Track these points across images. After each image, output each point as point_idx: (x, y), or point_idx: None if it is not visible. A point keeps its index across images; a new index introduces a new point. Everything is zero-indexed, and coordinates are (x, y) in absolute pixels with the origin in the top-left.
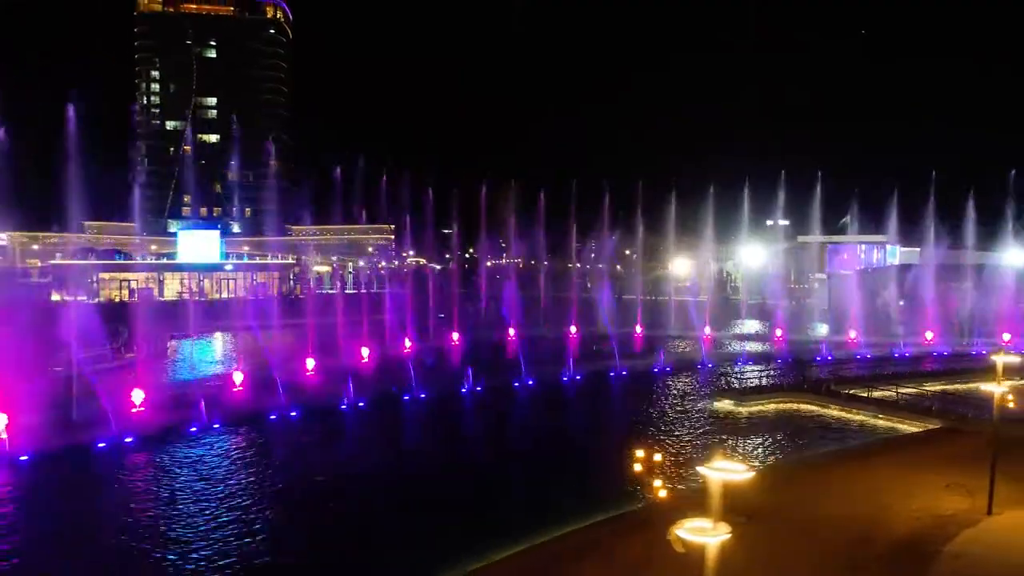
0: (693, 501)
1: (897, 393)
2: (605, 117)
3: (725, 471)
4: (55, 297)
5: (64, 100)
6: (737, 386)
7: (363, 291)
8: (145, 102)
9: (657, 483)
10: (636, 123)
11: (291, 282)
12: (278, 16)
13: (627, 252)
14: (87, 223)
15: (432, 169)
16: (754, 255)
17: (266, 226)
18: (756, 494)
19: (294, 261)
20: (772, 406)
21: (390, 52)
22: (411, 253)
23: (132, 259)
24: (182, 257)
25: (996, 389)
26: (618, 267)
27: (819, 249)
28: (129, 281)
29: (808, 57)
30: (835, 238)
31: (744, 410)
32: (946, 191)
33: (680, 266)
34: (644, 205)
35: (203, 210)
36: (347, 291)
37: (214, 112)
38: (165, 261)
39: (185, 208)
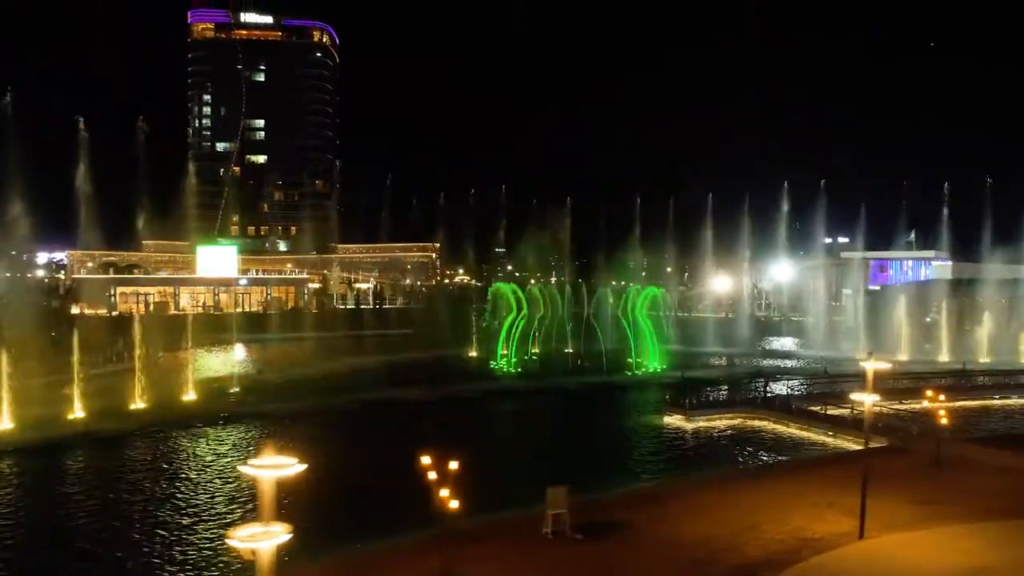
0: (491, 523)
1: (852, 410)
2: (605, 117)
3: (274, 467)
4: (75, 310)
5: (121, 126)
6: (692, 400)
7: (375, 306)
8: (197, 125)
9: (445, 492)
10: (636, 123)
11: (306, 297)
12: (324, 40)
13: (668, 270)
14: (145, 242)
15: (480, 189)
16: (785, 271)
17: (310, 244)
18: (621, 509)
19: (307, 276)
20: (722, 421)
21: (429, 69)
22: (460, 271)
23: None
24: (200, 271)
25: (867, 399)
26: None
27: (861, 265)
28: (146, 295)
29: (808, 57)
30: (877, 254)
31: (691, 425)
32: (962, 198)
33: (707, 283)
34: (672, 222)
35: (250, 228)
36: (362, 306)
37: (262, 134)
38: (185, 275)
39: (233, 227)
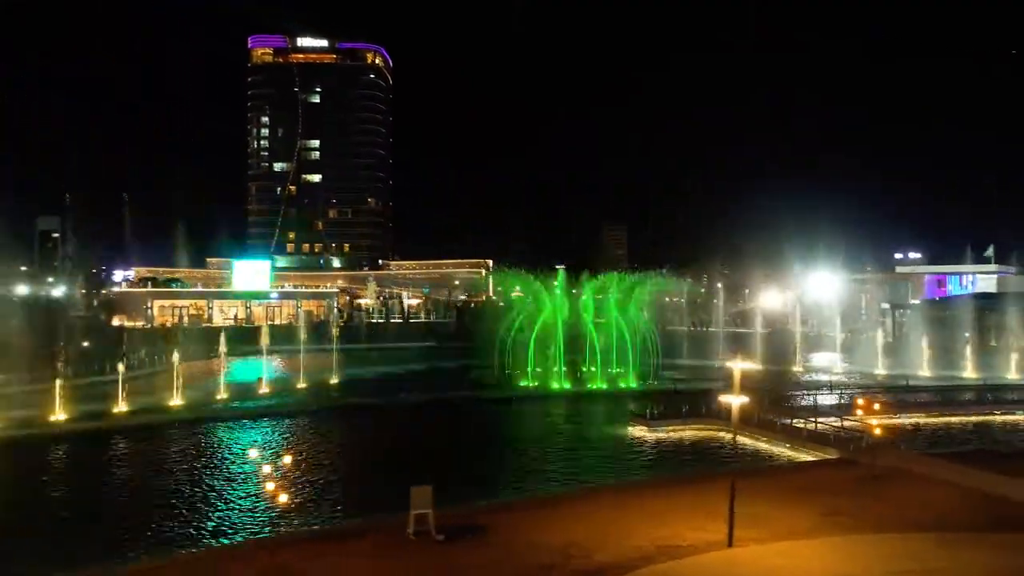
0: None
1: (815, 423)
2: (615, 119)
3: None
4: (115, 322)
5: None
6: (654, 411)
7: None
8: (256, 146)
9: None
10: (647, 126)
11: (335, 311)
12: (377, 62)
13: (719, 285)
14: (209, 259)
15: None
16: (828, 286)
17: (363, 260)
18: (502, 513)
19: (336, 290)
20: (684, 432)
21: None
22: (516, 288)
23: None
24: (236, 286)
25: (734, 400)
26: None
27: (899, 279)
28: (181, 308)
29: (818, 60)
30: (934, 268)
31: (652, 436)
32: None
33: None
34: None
35: (305, 246)
36: (392, 320)
37: (317, 154)
38: (221, 289)
39: (290, 244)
